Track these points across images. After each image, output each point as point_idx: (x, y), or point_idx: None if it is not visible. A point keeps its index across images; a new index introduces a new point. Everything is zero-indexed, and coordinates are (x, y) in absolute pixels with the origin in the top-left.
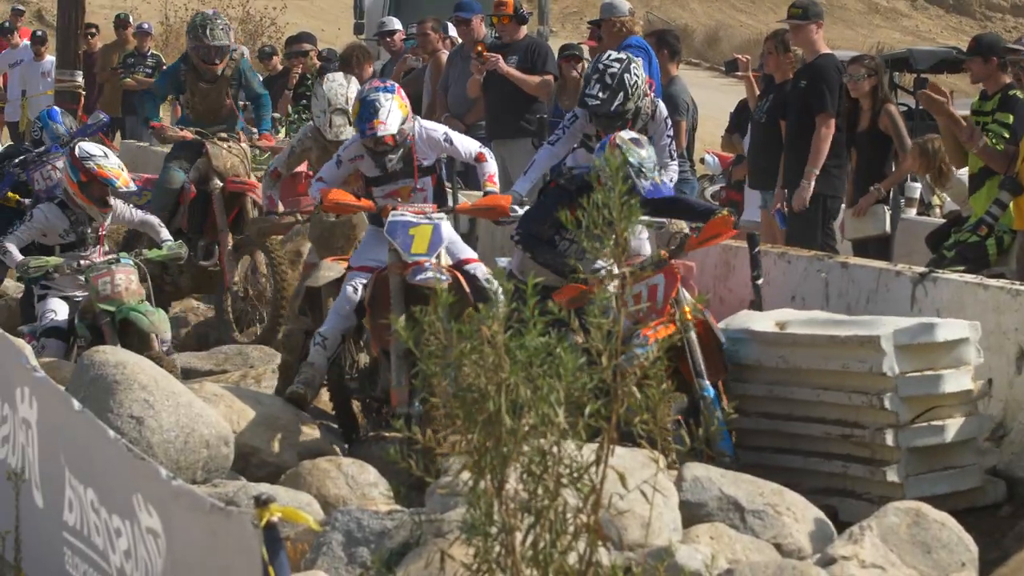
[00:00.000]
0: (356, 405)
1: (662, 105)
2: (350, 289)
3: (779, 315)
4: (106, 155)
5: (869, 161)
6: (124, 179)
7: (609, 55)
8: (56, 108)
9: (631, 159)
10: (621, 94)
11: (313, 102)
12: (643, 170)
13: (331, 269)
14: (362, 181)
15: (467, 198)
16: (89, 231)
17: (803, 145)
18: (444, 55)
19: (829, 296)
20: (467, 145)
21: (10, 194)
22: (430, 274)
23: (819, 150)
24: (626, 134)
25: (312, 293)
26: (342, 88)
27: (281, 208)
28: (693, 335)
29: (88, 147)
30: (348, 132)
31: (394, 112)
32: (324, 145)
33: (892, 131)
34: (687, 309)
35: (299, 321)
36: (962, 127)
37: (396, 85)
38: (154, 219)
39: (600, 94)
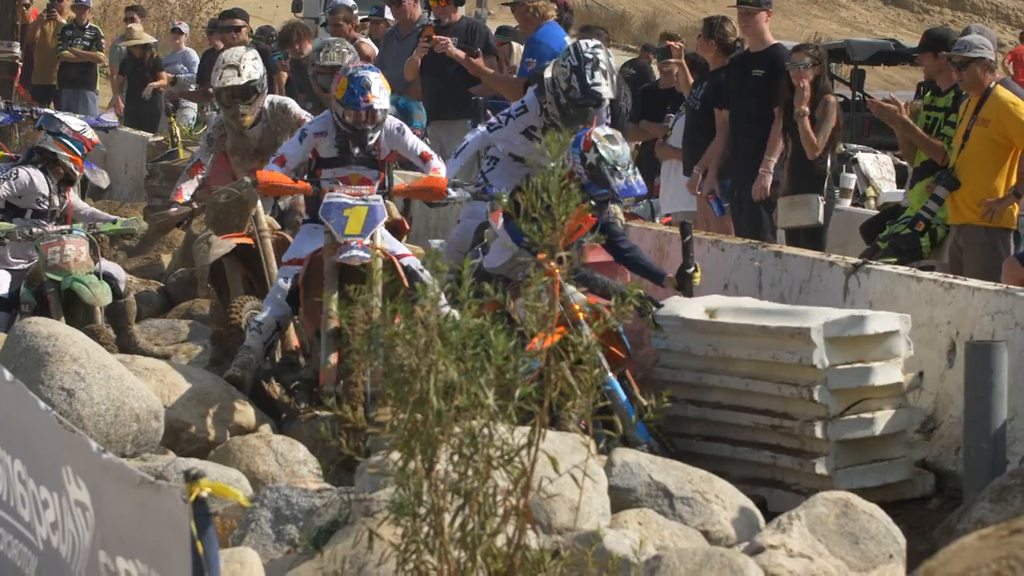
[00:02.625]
0: (278, 388)
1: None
2: (282, 280)
3: (709, 301)
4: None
5: (799, 150)
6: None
7: (587, 44)
8: None
9: (604, 155)
10: (613, 79)
11: (213, 73)
12: (617, 168)
13: (222, 245)
14: (312, 162)
15: (402, 178)
16: (57, 201)
17: (758, 132)
18: (365, 41)
19: (762, 285)
20: (416, 142)
21: None
22: (355, 252)
23: (777, 140)
24: (601, 130)
25: (216, 268)
26: (238, 51)
27: (184, 200)
28: (587, 331)
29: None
30: (234, 80)
31: (383, 89)
32: (237, 129)
33: (820, 115)
34: (576, 306)
35: (216, 296)
36: (918, 134)
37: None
38: (100, 213)
39: (603, 81)
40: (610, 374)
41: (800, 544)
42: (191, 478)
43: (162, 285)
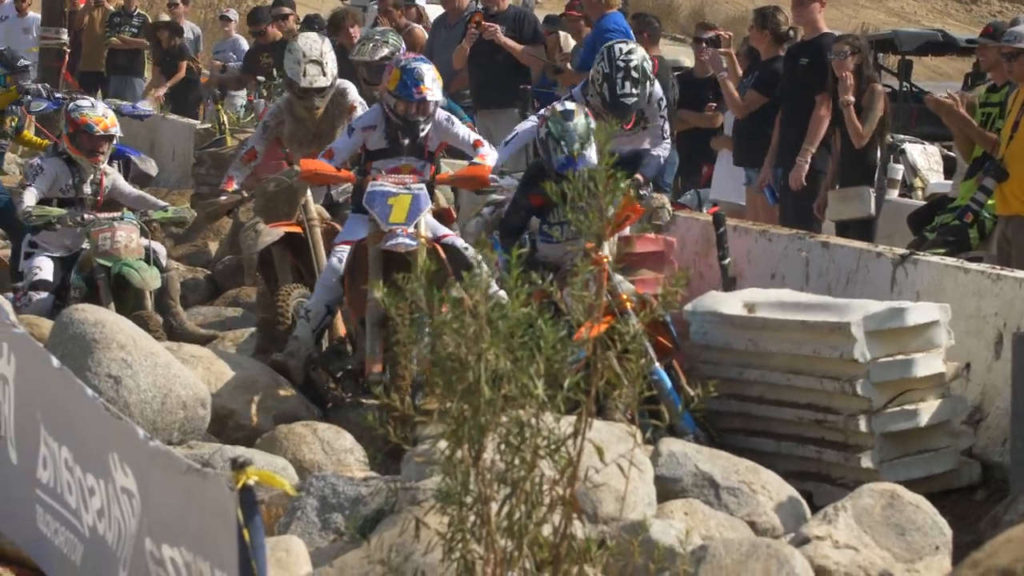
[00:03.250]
0: (325, 377)
1: (657, 87)
2: (335, 260)
3: (747, 295)
4: (93, 106)
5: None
6: (104, 124)
7: (621, 48)
8: None
9: (552, 130)
10: (647, 83)
11: (287, 57)
12: (561, 142)
13: (270, 234)
14: (362, 155)
15: (449, 167)
16: (88, 189)
17: (803, 122)
18: (416, 28)
19: (809, 275)
20: (467, 131)
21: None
22: (401, 239)
23: (817, 130)
24: (560, 105)
25: (264, 256)
26: (316, 43)
27: (233, 188)
28: (633, 321)
29: (80, 102)
30: (321, 81)
31: (436, 81)
32: (295, 115)
33: (866, 104)
34: (623, 296)
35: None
36: (975, 129)
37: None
38: (149, 196)
39: (634, 90)
40: (657, 364)
41: (846, 535)
42: (238, 466)
43: (209, 272)
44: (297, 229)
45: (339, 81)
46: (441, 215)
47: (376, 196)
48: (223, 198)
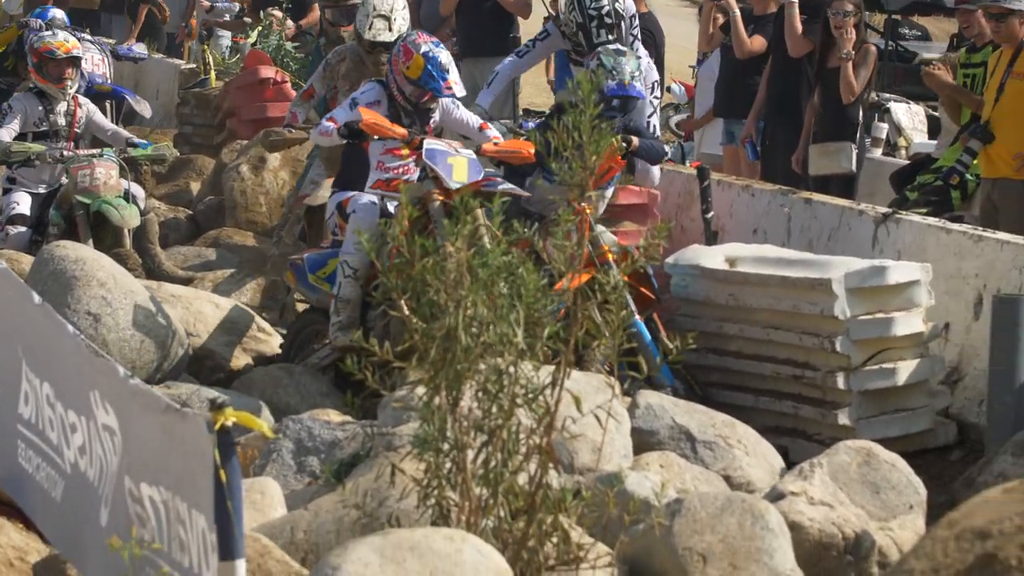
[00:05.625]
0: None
1: (629, 3)
2: (369, 202)
3: (728, 250)
4: (54, 33)
5: (837, 97)
6: (66, 47)
7: None
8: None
9: (604, 61)
10: (622, 23)
11: (359, 9)
12: (613, 71)
13: (329, 188)
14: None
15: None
16: (61, 120)
17: (793, 79)
18: None
19: (791, 231)
20: (471, 115)
21: None
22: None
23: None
24: (613, 47)
25: (312, 212)
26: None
27: (300, 123)
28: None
29: (40, 32)
30: (385, 36)
31: (457, 72)
32: (357, 58)
33: (859, 61)
34: (605, 247)
35: (293, 248)
36: (967, 95)
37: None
38: (125, 132)
39: (610, 36)
40: (637, 316)
41: (821, 492)
42: (216, 407)
43: (190, 212)
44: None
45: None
46: None
47: (437, 154)
48: (289, 132)
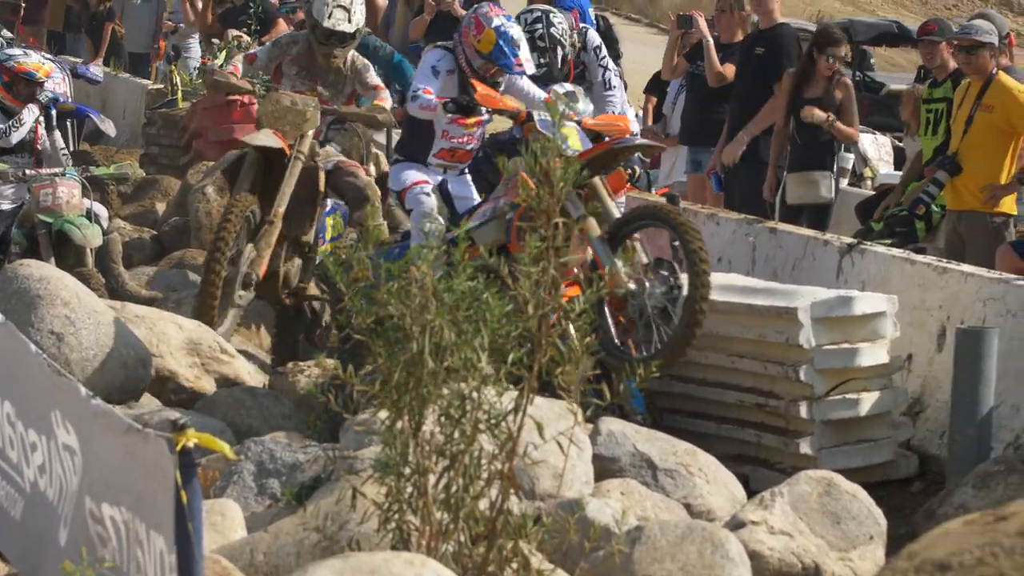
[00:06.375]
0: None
1: (592, 34)
2: (424, 197)
3: None
4: (26, 54)
5: (812, 128)
6: (44, 71)
7: (526, 18)
8: None
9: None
10: (558, 48)
11: None
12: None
13: (271, 138)
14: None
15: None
16: (23, 138)
17: (755, 110)
18: None
19: (756, 260)
20: (536, 88)
21: None
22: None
23: (766, 117)
24: (561, 88)
25: (237, 163)
26: None
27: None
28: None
29: (10, 51)
30: (344, 26)
31: (528, 49)
32: (309, 45)
33: (845, 103)
34: (575, 270)
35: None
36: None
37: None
38: (65, 151)
39: (541, 60)
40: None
41: (782, 521)
42: (178, 428)
43: (155, 233)
44: (287, 151)
45: (362, 59)
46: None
47: (547, 125)
48: (235, 79)
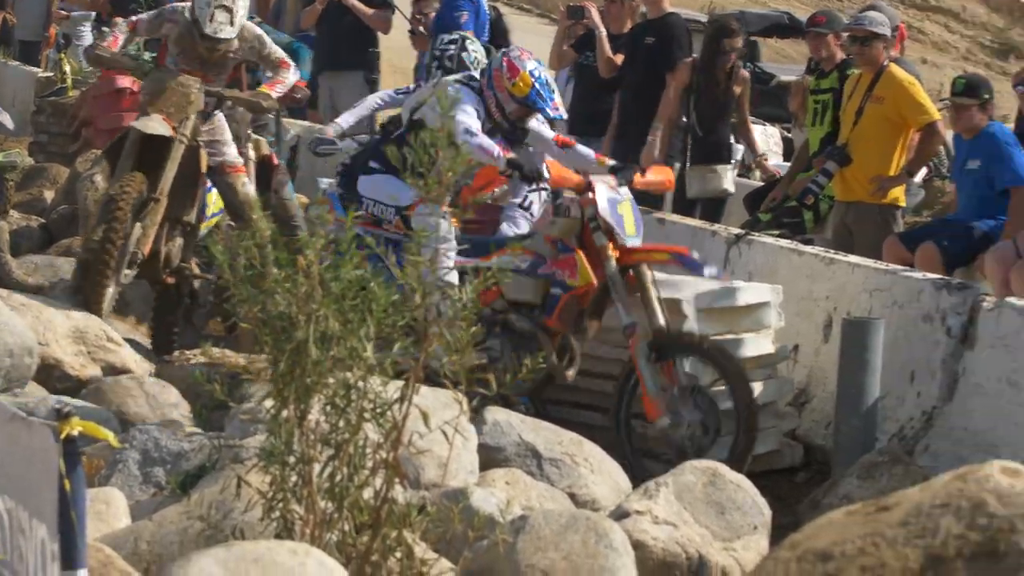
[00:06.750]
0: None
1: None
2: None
3: None
4: None
5: (713, 120)
6: None
7: (443, 38)
8: None
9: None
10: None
11: None
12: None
13: (161, 126)
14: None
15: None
16: None
17: (647, 99)
18: None
19: None
20: (547, 130)
21: None
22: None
23: (666, 110)
24: (453, 86)
25: (118, 144)
26: None
27: (119, 48)
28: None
29: None
30: (227, 32)
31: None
32: (188, 32)
33: (742, 97)
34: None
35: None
36: None
37: None
38: None
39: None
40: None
41: (666, 511)
42: (62, 416)
43: (43, 221)
44: (172, 135)
45: (255, 28)
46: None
47: (611, 204)
48: (114, 54)
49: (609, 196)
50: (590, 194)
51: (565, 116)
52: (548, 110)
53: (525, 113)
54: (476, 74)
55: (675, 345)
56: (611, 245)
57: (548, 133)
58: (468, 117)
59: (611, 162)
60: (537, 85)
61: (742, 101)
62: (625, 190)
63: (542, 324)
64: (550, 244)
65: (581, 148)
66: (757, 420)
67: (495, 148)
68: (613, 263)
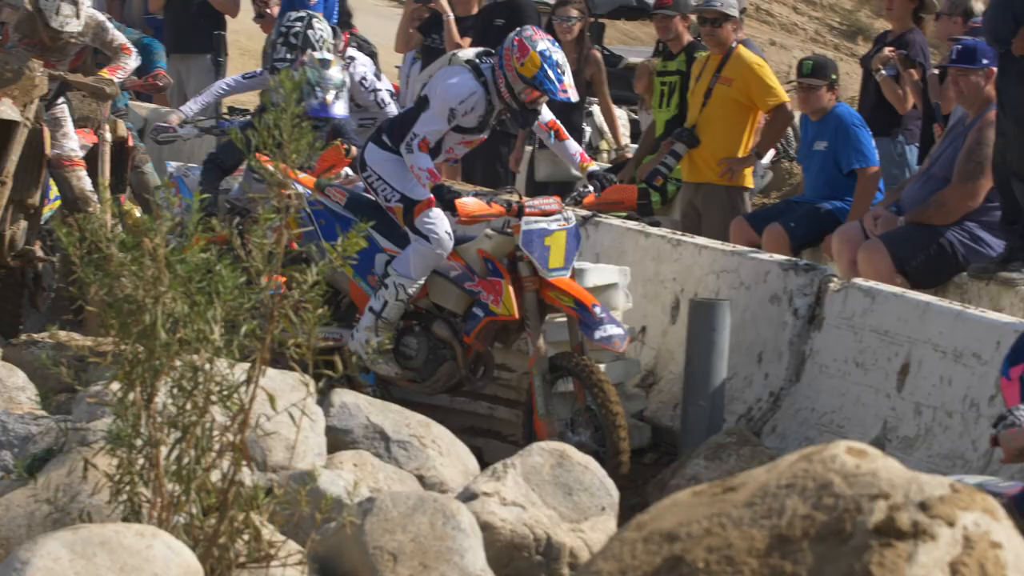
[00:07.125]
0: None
1: (358, 66)
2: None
3: None
4: None
5: (564, 104)
6: None
7: (290, 15)
8: None
9: (310, 75)
10: (308, 49)
11: None
12: (316, 87)
13: (12, 109)
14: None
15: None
16: None
17: None
18: None
19: None
20: (547, 112)
21: None
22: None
23: None
24: (318, 54)
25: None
26: None
27: None
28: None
29: None
30: (73, 26)
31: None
32: (31, 19)
33: (596, 80)
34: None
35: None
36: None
37: None
38: None
39: (288, 55)
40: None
41: (514, 493)
42: None
43: None
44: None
45: (95, 13)
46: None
47: (535, 235)
48: None
49: (537, 228)
50: (520, 222)
51: (575, 99)
52: (556, 92)
53: (536, 95)
54: (325, 48)
55: (559, 366)
56: (533, 275)
57: (547, 115)
58: (432, 122)
59: (593, 167)
60: (546, 66)
61: (599, 86)
62: (570, 213)
63: (460, 336)
64: (481, 259)
65: (571, 144)
66: (621, 437)
67: (427, 173)
68: (532, 296)
